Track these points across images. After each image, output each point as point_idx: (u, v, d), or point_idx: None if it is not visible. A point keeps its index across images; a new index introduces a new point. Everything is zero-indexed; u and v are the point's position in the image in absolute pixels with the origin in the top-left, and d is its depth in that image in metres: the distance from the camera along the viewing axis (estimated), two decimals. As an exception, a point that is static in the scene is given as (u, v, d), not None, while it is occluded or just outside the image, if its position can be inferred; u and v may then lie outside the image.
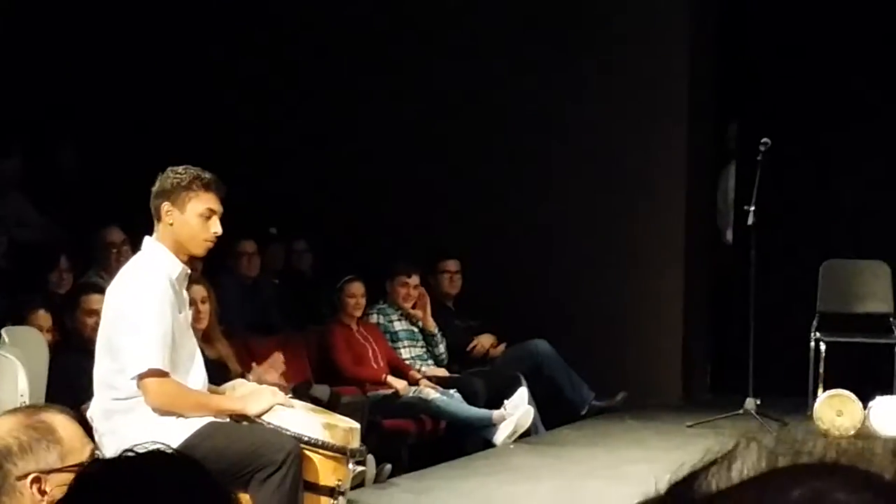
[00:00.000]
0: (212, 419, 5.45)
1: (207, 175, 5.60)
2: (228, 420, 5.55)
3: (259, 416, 5.55)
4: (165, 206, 5.54)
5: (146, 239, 5.65)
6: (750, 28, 11.91)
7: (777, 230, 10.85)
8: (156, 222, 5.58)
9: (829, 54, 11.50)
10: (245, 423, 5.55)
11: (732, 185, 11.68)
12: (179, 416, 5.39)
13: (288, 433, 5.48)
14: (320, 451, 5.55)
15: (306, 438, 5.51)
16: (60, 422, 3.13)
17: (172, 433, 5.16)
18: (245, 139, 11.74)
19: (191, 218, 5.52)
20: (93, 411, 5.38)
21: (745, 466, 1.09)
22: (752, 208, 9.70)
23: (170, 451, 1.71)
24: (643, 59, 11.21)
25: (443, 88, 11.59)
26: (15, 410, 3.37)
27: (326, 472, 5.56)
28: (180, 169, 5.61)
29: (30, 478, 2.99)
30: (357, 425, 5.86)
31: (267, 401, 5.61)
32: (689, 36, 11.34)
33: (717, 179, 11.91)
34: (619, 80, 11.24)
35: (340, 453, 5.60)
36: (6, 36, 11.37)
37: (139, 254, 5.68)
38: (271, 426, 5.52)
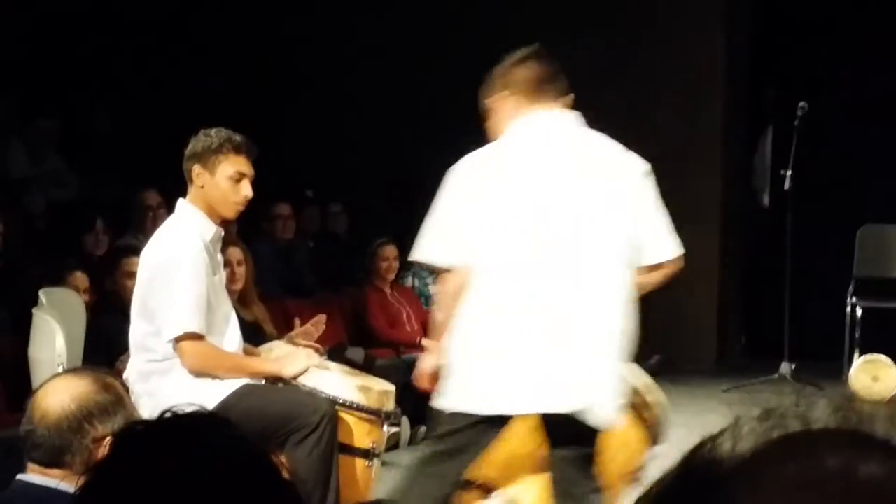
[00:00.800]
0: (247, 381, 5.47)
1: (238, 137, 5.59)
2: (264, 382, 5.57)
3: (295, 377, 5.57)
4: (196, 168, 5.55)
5: (180, 201, 5.65)
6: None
7: (814, 194, 10.80)
8: (188, 184, 5.59)
9: (867, 19, 11.42)
10: (280, 384, 5.57)
11: (770, 149, 11.63)
12: (215, 377, 5.41)
13: (323, 395, 5.50)
14: (355, 413, 5.56)
15: (341, 401, 5.52)
16: (120, 388, 3.19)
17: (209, 394, 5.18)
18: (282, 101, 11.75)
19: (221, 181, 5.52)
20: (129, 373, 5.40)
21: (757, 434, 1.05)
22: (789, 172, 9.66)
23: (209, 412, 1.72)
24: (680, 26, 11.16)
25: (467, 54, 11.56)
26: (76, 373, 3.38)
27: (361, 434, 5.57)
28: (212, 131, 5.61)
29: (107, 440, 2.99)
30: (392, 387, 5.86)
31: (303, 363, 5.62)
32: (725, 1, 11.29)
33: (754, 143, 11.86)
34: (655, 48, 11.19)
35: (375, 415, 5.61)
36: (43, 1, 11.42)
37: (173, 216, 5.69)
38: (306, 388, 5.53)
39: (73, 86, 11.27)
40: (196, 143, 5.58)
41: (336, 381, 5.64)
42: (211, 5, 11.99)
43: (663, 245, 4.86)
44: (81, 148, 10.94)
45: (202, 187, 5.52)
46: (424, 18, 11.71)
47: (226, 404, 5.26)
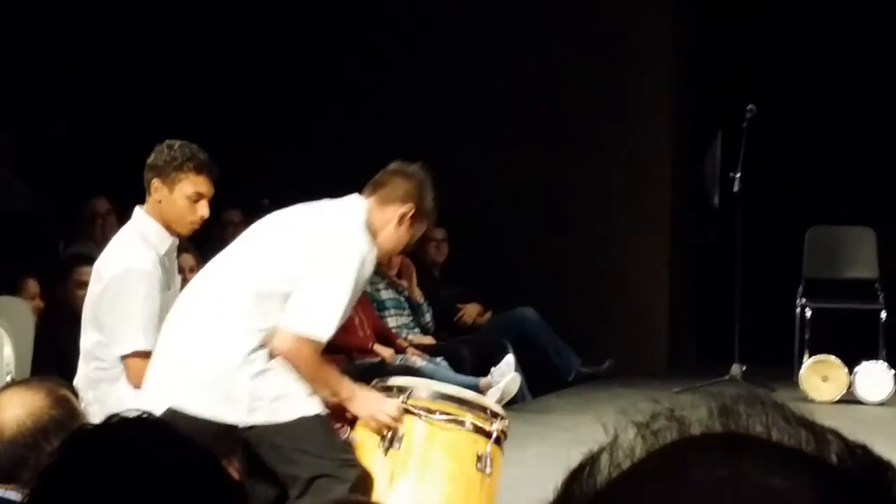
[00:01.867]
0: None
1: (201, 156, 5.52)
2: None
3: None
4: (155, 182, 5.50)
5: (137, 209, 5.62)
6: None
7: (763, 197, 10.86)
8: (147, 194, 5.55)
9: (816, 20, 11.50)
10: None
11: (719, 152, 11.68)
12: None
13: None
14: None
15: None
16: (74, 400, 3.17)
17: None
18: (237, 107, 11.71)
19: (179, 199, 5.47)
20: (78, 380, 5.38)
21: (629, 451, 1.01)
22: (738, 175, 9.71)
23: (155, 417, 1.73)
24: (628, 26, 11.20)
25: (429, 57, 11.58)
26: (28, 385, 3.34)
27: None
28: (176, 145, 5.53)
29: None
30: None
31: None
32: (673, 4, 11.34)
33: (704, 148, 11.90)
34: (603, 50, 11.22)
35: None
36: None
37: (129, 224, 5.65)
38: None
39: (29, 95, 11.21)
40: (158, 156, 5.51)
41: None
42: (171, 12, 11.93)
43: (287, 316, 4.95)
44: (36, 157, 10.88)
45: (160, 202, 5.47)
46: (380, 30, 11.71)
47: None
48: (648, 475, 0.95)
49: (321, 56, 11.77)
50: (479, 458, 5.11)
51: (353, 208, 5.18)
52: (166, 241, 5.50)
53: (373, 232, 5.17)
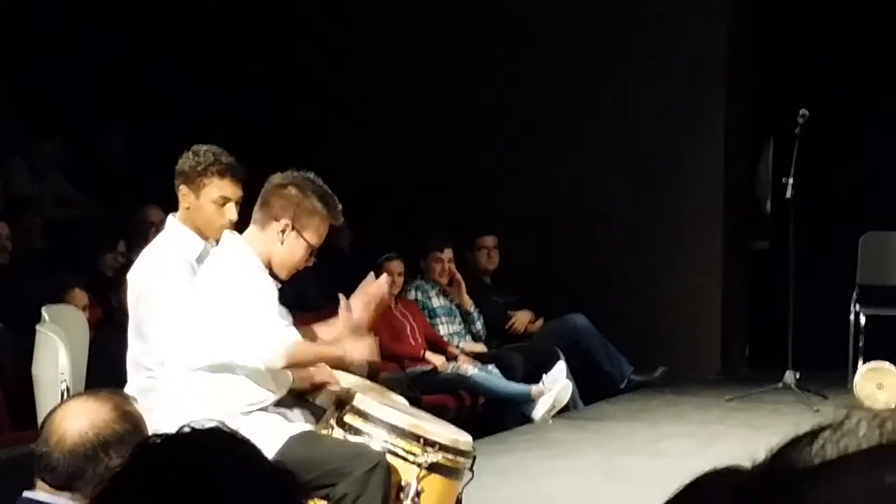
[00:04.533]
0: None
1: (225, 159, 5.50)
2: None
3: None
4: (182, 188, 5.52)
5: (169, 217, 5.65)
6: (786, 2, 11.85)
7: (817, 202, 10.79)
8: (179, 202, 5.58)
9: (868, 24, 11.43)
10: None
11: (772, 158, 11.62)
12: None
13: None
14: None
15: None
16: (139, 415, 3.17)
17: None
18: (285, 117, 11.76)
19: (205, 204, 5.47)
20: (129, 390, 5.39)
21: (858, 438, 1.04)
22: (791, 180, 9.65)
23: (228, 428, 1.72)
24: (682, 36, 11.17)
25: (483, 69, 11.58)
26: (96, 397, 3.34)
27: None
28: (201, 150, 5.52)
29: None
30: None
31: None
32: (727, 8, 11.29)
33: (757, 154, 11.84)
34: (657, 57, 11.20)
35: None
36: (58, 20, 11.44)
37: (161, 233, 5.68)
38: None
39: (82, 105, 11.30)
40: (184, 162, 5.52)
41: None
42: (221, 24, 12.01)
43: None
44: (87, 166, 10.96)
45: (188, 208, 5.47)
46: (424, 42, 11.73)
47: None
48: (868, 461, 0.99)
49: (372, 65, 11.80)
50: (401, 489, 5.04)
51: (236, 250, 5.24)
52: (198, 247, 5.51)
53: (265, 259, 5.22)
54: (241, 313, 5.08)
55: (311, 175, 5.35)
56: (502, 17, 11.53)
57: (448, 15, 11.66)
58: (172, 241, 5.52)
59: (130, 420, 3.16)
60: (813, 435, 1.04)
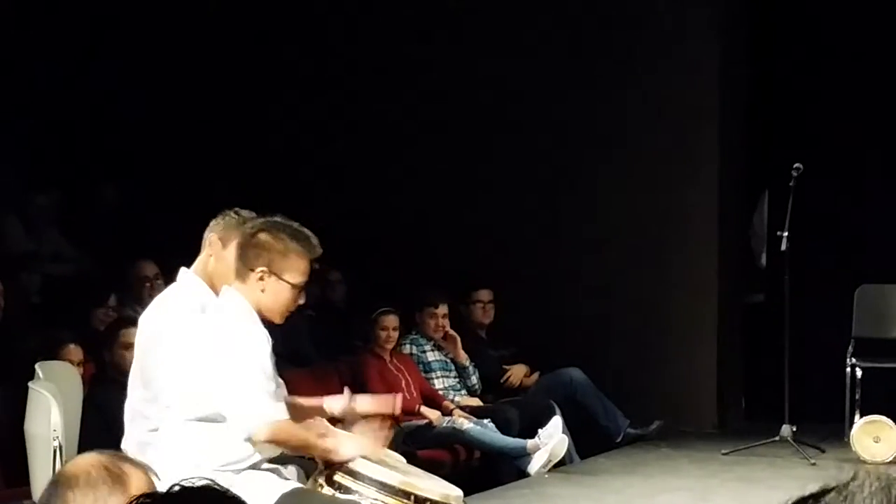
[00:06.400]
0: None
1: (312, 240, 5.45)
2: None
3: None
4: (212, 237, 5.56)
5: (182, 270, 5.65)
6: (780, 53, 11.89)
7: (812, 255, 10.80)
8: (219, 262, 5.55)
9: (863, 77, 11.47)
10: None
11: (766, 211, 11.64)
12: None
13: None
14: None
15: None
16: (137, 477, 3.06)
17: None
18: (278, 171, 11.77)
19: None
20: (126, 444, 5.36)
21: (863, 500, 1.02)
22: (786, 234, 9.66)
23: (220, 486, 1.70)
24: (675, 89, 11.20)
25: (473, 119, 11.61)
26: (106, 451, 3.30)
27: None
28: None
29: None
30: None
31: (358, 449, 5.21)
32: (720, 59, 11.33)
33: (751, 207, 11.86)
34: (651, 110, 11.23)
35: None
36: (51, 73, 11.49)
37: (175, 285, 5.68)
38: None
39: (76, 159, 11.32)
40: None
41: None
42: (216, 74, 12.06)
43: None
44: (83, 220, 10.97)
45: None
46: (419, 92, 11.77)
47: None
48: None
49: (367, 119, 11.83)
50: None
51: (231, 305, 5.26)
52: (212, 299, 5.53)
53: (257, 309, 5.25)
54: (232, 377, 5.08)
55: (278, 217, 5.35)
56: (487, 66, 11.56)
57: (437, 57, 11.68)
58: (186, 291, 5.54)
59: (112, 473, 3.08)
60: (818, 497, 1.02)
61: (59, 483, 2.99)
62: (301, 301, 5.41)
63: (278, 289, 5.24)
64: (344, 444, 5.18)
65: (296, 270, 5.27)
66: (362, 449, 5.19)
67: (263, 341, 5.20)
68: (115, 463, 3.06)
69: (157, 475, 3.09)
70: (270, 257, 5.22)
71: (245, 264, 5.24)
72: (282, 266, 5.23)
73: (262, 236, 5.25)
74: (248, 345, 5.15)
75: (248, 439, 5.10)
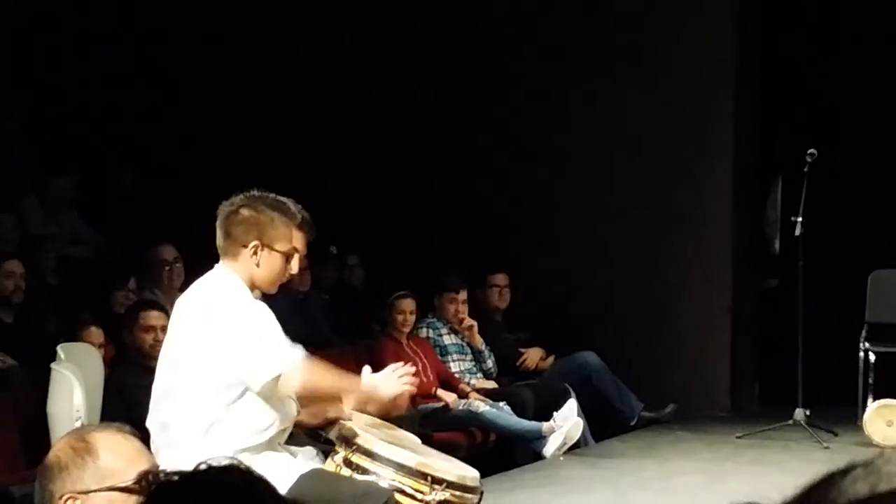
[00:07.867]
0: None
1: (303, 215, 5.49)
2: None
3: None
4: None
5: (220, 267, 5.56)
6: (794, 40, 11.90)
7: (825, 240, 10.82)
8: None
9: (878, 63, 11.49)
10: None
11: (780, 196, 11.66)
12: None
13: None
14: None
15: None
16: (107, 441, 3.00)
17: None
18: (297, 155, 11.80)
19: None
20: (150, 423, 5.40)
21: (889, 477, 1.06)
22: (800, 219, 9.69)
23: (245, 466, 1.73)
24: (690, 77, 11.22)
25: (490, 105, 11.64)
26: (73, 430, 3.32)
27: None
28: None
29: (63, 498, 2.92)
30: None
31: (398, 386, 5.33)
32: (736, 47, 11.35)
33: (765, 192, 11.88)
34: (666, 98, 11.24)
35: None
36: (72, 59, 11.54)
37: (211, 275, 5.61)
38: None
39: (94, 143, 11.37)
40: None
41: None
42: (233, 59, 12.09)
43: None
44: (101, 204, 11.02)
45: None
46: (437, 81, 11.80)
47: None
48: None
49: (385, 104, 11.87)
50: None
51: (222, 281, 5.32)
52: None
53: (250, 284, 5.31)
54: (252, 330, 5.16)
55: (255, 191, 5.41)
56: (503, 59, 11.59)
57: (458, 48, 11.72)
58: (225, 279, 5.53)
59: (79, 449, 2.95)
60: (844, 473, 1.06)
61: (40, 480, 3.01)
62: (294, 271, 5.48)
63: (271, 260, 5.32)
64: (382, 383, 5.29)
65: (284, 239, 5.35)
66: (401, 386, 5.30)
67: (268, 309, 5.28)
68: (79, 437, 3.04)
69: (131, 432, 3.08)
70: (260, 230, 5.29)
71: (235, 242, 5.31)
72: (272, 237, 5.31)
73: (245, 212, 5.31)
74: (256, 308, 5.23)
75: (272, 395, 5.16)
